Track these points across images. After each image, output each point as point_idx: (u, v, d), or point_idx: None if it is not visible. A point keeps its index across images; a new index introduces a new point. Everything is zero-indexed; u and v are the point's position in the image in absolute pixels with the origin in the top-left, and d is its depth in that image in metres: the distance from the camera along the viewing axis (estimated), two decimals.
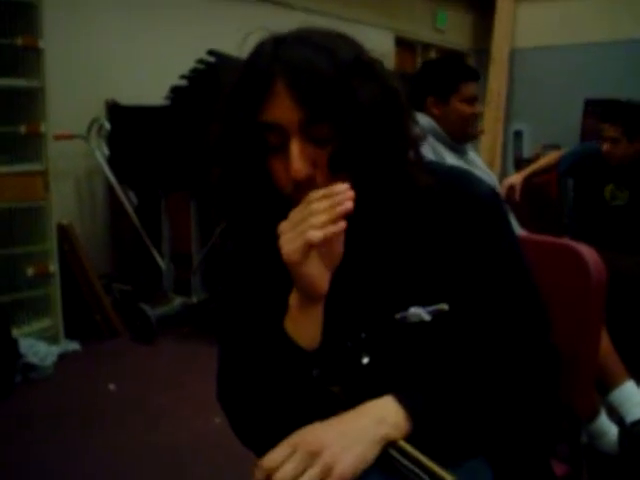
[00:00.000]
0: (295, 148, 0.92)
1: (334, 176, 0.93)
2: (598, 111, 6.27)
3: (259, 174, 0.97)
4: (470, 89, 2.41)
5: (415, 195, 1.00)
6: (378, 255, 1.03)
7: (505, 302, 1.02)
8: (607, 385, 2.33)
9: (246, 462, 1.06)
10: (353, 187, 0.93)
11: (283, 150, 0.94)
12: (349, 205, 0.87)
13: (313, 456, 0.84)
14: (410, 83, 2.40)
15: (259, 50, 0.97)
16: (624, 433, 2.26)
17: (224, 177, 1.01)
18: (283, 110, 0.92)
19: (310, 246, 0.88)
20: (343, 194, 0.88)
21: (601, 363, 2.23)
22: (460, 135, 2.41)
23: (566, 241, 1.50)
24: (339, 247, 0.93)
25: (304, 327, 0.95)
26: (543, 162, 3.63)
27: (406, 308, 1.01)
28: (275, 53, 0.94)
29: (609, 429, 2.26)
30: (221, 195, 1.03)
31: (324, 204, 0.88)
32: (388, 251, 1.03)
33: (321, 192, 0.89)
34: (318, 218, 0.87)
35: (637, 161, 3.21)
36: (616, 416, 2.32)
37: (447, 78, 2.38)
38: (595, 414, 2.23)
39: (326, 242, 0.89)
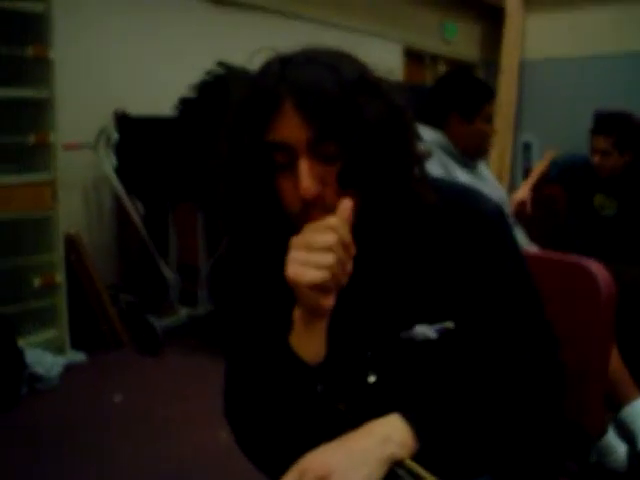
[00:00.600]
0: (304, 167, 0.92)
1: (343, 193, 0.94)
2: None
3: (266, 193, 0.98)
4: (491, 109, 2.44)
5: (421, 213, 1.01)
6: (384, 273, 1.03)
7: (509, 320, 1.02)
8: (618, 402, 2.31)
9: (250, 477, 1.06)
10: (361, 204, 0.93)
11: (291, 169, 0.94)
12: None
13: None
14: (427, 97, 2.42)
15: (265, 70, 0.98)
16: (634, 452, 2.23)
17: (230, 195, 1.01)
18: (291, 129, 0.93)
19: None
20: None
21: (611, 379, 2.21)
22: (476, 152, 2.43)
23: (575, 257, 1.50)
24: (348, 266, 0.92)
25: (308, 342, 0.95)
26: (539, 170, 3.58)
27: (412, 326, 1.01)
28: (282, 73, 0.95)
29: (618, 446, 2.24)
30: (227, 213, 1.04)
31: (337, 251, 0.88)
32: (394, 269, 1.03)
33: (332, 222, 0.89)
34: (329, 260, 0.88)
35: (626, 172, 3.23)
36: (625, 433, 2.30)
37: (473, 97, 2.38)
38: (603, 431, 2.21)
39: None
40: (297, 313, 0.95)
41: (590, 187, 3.31)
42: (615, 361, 2.28)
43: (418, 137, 1.02)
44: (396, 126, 0.97)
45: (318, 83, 0.93)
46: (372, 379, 1.04)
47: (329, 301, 0.92)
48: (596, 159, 3.22)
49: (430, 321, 1.02)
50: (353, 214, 0.91)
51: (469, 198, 1.08)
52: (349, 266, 0.90)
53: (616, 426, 2.30)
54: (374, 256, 1.02)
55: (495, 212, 1.06)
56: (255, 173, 0.97)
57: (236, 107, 0.99)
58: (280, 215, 0.98)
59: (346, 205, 0.90)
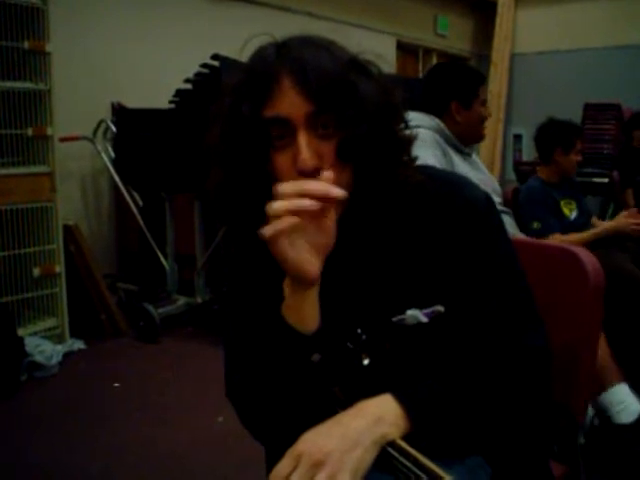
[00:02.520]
0: (302, 139, 0.94)
1: (340, 167, 0.97)
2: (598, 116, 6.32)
3: (261, 172, 0.99)
4: (484, 92, 2.52)
5: (412, 199, 1.03)
6: (375, 258, 1.05)
7: (497, 304, 1.04)
8: (600, 386, 2.36)
9: (247, 460, 1.09)
10: (355, 180, 0.97)
11: (288, 145, 0.96)
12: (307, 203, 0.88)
13: (317, 466, 0.85)
14: (423, 88, 2.47)
15: (261, 52, 1.00)
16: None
17: (227, 177, 1.03)
18: (290, 104, 0.95)
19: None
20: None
21: (597, 364, 2.27)
22: (474, 137, 2.50)
23: (564, 245, 1.52)
24: (329, 232, 0.94)
25: (299, 311, 0.97)
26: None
27: (403, 310, 1.03)
28: (278, 54, 0.98)
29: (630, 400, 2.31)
30: (223, 196, 1.05)
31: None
32: (385, 253, 1.05)
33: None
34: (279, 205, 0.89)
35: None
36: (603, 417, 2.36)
37: (469, 83, 2.45)
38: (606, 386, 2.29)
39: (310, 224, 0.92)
40: (286, 284, 0.97)
41: (554, 199, 3.34)
42: (602, 346, 2.33)
43: (405, 120, 1.05)
44: (387, 105, 1.00)
45: (315, 60, 0.95)
46: (366, 362, 1.05)
47: (314, 268, 0.93)
48: (580, 158, 3.34)
49: (421, 305, 1.03)
50: (347, 192, 0.94)
51: (458, 185, 1.09)
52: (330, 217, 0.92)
53: (595, 410, 2.36)
54: (366, 240, 1.05)
55: (483, 199, 1.08)
56: (252, 152, 0.98)
57: (232, 88, 1.00)
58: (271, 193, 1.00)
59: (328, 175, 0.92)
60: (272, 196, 0.94)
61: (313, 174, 0.94)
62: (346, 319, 1.05)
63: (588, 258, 1.39)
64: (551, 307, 1.35)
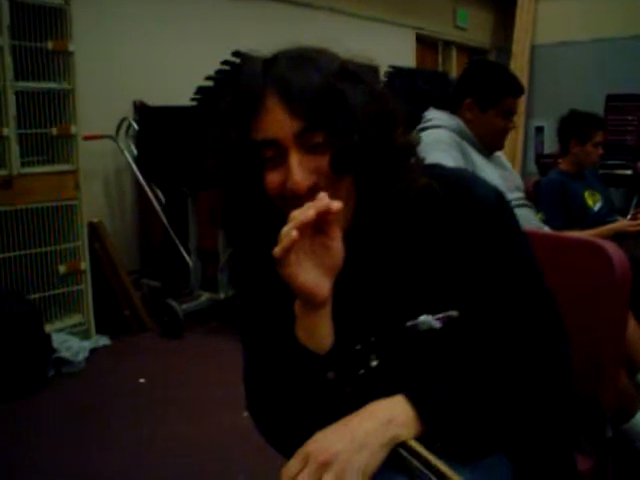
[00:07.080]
0: (294, 160, 0.94)
1: (336, 181, 0.96)
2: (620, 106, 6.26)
3: (258, 190, 0.99)
4: (510, 104, 2.38)
5: (420, 200, 1.01)
6: (386, 263, 1.04)
7: (510, 305, 1.01)
8: (637, 366, 2.28)
9: (272, 456, 1.10)
10: (356, 190, 0.97)
11: (281, 164, 0.96)
12: (310, 213, 0.88)
13: (324, 467, 0.85)
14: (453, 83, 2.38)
15: (248, 71, 1.00)
16: None
17: (228, 201, 1.04)
18: (278, 125, 0.94)
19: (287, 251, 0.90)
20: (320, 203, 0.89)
21: (630, 346, 2.23)
22: (488, 144, 2.40)
23: (590, 237, 1.52)
24: (335, 253, 0.93)
25: (312, 332, 0.96)
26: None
27: (416, 316, 1.02)
28: (264, 72, 0.98)
29: None
30: (227, 220, 1.06)
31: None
32: (395, 260, 1.04)
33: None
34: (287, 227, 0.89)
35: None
36: None
37: (492, 88, 2.35)
38: (633, 412, 2.22)
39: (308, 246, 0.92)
40: (297, 305, 0.96)
41: (574, 190, 3.31)
42: (632, 327, 2.24)
43: (401, 123, 1.03)
44: (380, 110, 0.98)
45: (300, 76, 0.94)
46: (374, 363, 1.04)
47: (323, 290, 0.93)
48: (601, 151, 3.35)
49: (434, 310, 1.01)
50: (351, 204, 0.96)
51: (467, 184, 1.06)
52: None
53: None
54: (376, 246, 1.04)
55: (493, 196, 1.05)
56: (248, 174, 0.98)
57: (222, 110, 1.01)
58: (274, 210, 1.00)
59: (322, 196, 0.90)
60: (272, 209, 0.96)
61: (308, 195, 0.93)
62: (358, 326, 1.04)
63: (614, 250, 1.38)
64: (577, 300, 1.36)
